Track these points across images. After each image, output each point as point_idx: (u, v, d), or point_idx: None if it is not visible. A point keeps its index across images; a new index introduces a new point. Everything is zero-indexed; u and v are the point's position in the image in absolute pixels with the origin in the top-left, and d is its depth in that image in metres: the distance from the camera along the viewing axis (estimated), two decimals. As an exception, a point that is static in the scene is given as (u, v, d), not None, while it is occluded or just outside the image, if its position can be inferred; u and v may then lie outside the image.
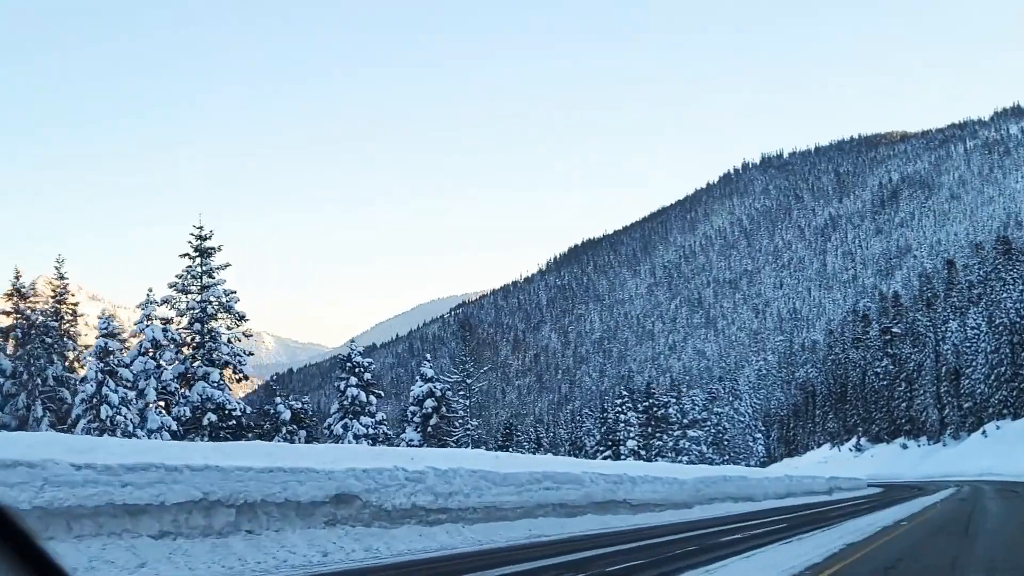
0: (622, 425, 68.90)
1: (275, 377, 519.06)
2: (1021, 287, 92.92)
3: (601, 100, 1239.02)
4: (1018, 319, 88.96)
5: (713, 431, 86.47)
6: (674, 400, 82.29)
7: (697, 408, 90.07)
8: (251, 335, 43.04)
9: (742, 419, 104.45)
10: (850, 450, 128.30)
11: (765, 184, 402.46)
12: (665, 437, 77.95)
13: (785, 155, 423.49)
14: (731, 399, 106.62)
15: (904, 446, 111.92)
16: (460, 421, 52.16)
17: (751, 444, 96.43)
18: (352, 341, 54.41)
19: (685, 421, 79.03)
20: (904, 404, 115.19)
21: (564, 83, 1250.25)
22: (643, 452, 75.69)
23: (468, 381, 54.76)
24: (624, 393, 79.11)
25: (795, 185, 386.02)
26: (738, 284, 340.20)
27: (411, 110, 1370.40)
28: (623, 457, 65.77)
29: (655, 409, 79.78)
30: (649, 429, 79.74)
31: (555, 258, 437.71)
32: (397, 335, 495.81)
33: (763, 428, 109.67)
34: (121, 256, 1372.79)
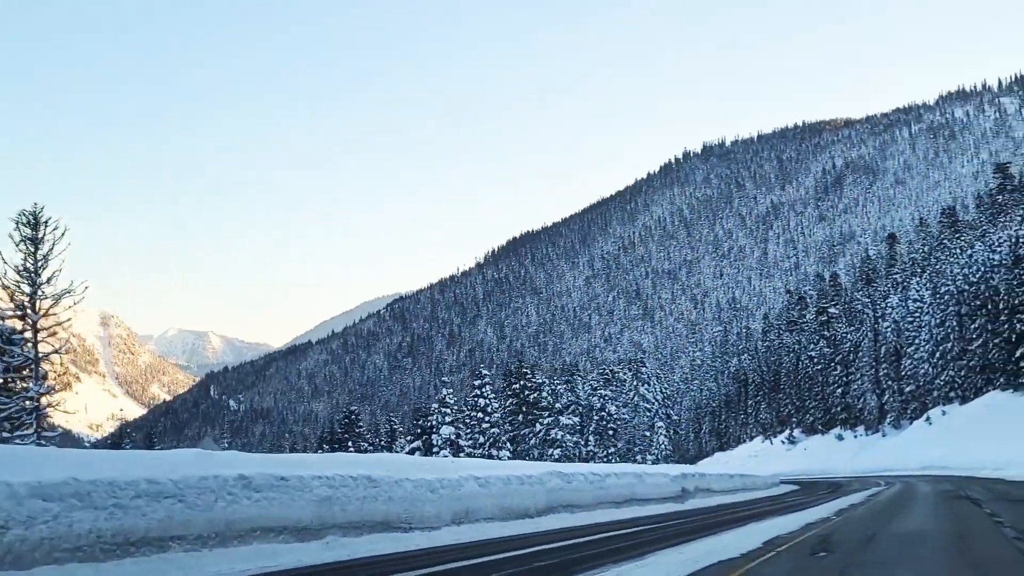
0: (436, 408, 54.69)
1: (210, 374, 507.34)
2: (969, 253, 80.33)
3: (541, 92, 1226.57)
4: (966, 287, 76.26)
5: (596, 418, 72.63)
6: (547, 381, 68.17)
7: (585, 391, 75.93)
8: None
9: (649, 407, 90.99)
10: (782, 443, 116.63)
11: (707, 173, 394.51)
12: (537, 426, 63.95)
13: (727, 143, 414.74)
14: (635, 383, 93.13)
15: (840, 437, 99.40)
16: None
17: (648, 435, 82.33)
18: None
19: (558, 406, 64.88)
20: (840, 390, 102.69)
21: (504, 76, 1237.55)
22: (510, 445, 62.09)
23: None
24: (483, 372, 64.88)
25: (737, 173, 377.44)
26: (677, 274, 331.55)
27: (351, 110, 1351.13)
28: (435, 450, 51.90)
29: (527, 392, 65.99)
30: (520, 417, 66.02)
31: (493, 251, 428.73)
32: (332, 331, 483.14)
33: (671, 419, 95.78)
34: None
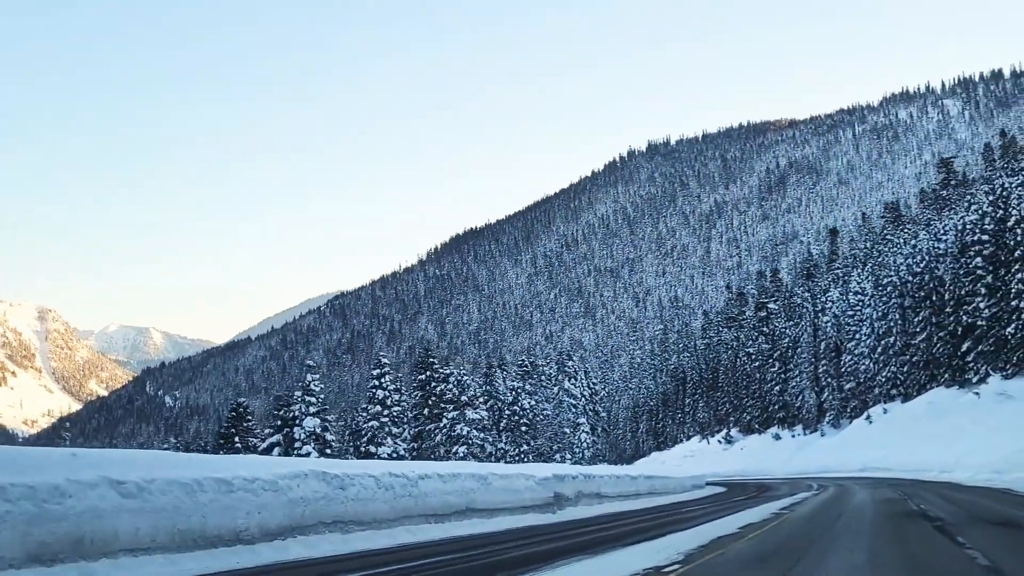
0: (299, 396, 48.30)
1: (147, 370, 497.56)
2: (913, 243, 76.51)
3: (486, 89, 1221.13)
4: (909, 278, 72.27)
5: (507, 413, 67.42)
6: (455, 372, 62.43)
7: (503, 383, 70.58)
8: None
9: (574, 403, 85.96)
10: (719, 442, 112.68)
11: (651, 171, 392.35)
12: (444, 420, 58.52)
13: (672, 142, 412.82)
14: (560, 378, 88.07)
15: (777, 437, 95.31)
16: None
17: (568, 432, 76.92)
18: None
19: (464, 399, 59.33)
20: (778, 388, 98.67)
21: (449, 73, 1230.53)
22: (415, 443, 56.97)
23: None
24: (383, 361, 59.25)
25: (681, 172, 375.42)
26: (619, 272, 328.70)
27: (296, 105, 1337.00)
28: (297, 445, 45.70)
29: (433, 384, 60.47)
30: (426, 411, 60.57)
31: (436, 248, 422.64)
32: (273, 327, 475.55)
33: (599, 416, 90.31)
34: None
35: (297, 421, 45.91)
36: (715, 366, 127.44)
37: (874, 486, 34.68)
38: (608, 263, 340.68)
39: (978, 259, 59.39)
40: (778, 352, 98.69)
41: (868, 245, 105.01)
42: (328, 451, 45.98)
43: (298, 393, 48.09)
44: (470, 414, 57.95)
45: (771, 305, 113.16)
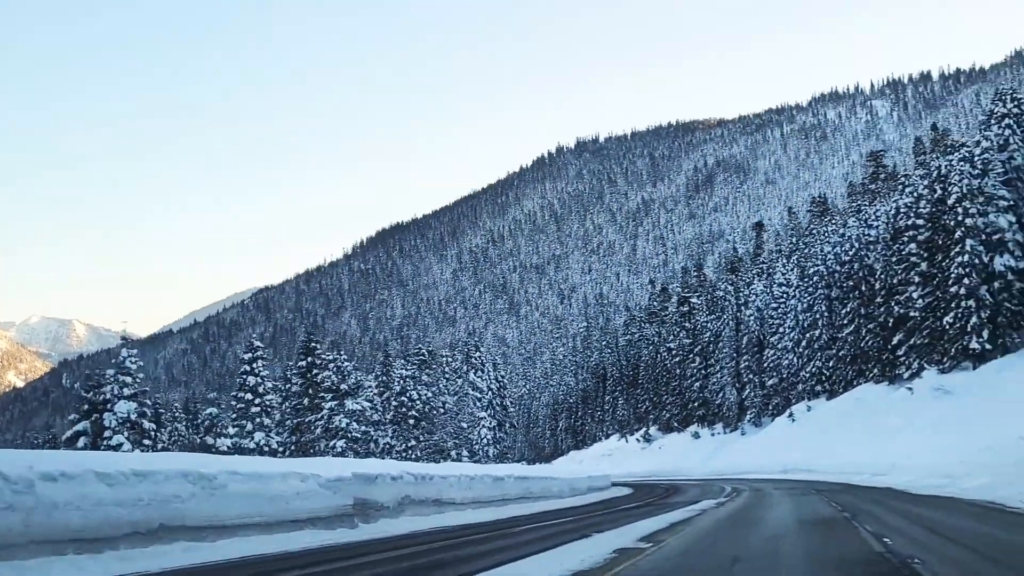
0: (112, 376, 41.26)
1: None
2: (842, 231, 72.06)
3: (415, 82, 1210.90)
4: (837, 267, 67.73)
5: (395, 404, 61.37)
6: (337, 358, 55.87)
7: (395, 372, 64.35)
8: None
9: (480, 396, 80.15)
10: (638, 441, 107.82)
11: (579, 168, 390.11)
12: (324, 411, 52.23)
13: (601, 140, 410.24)
14: (466, 369, 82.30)
15: (696, 435, 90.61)
16: None
17: (464, 427, 70.79)
18: None
19: (344, 387, 52.97)
20: (698, 384, 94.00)
21: (378, 64, 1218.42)
22: (295, 436, 50.79)
23: None
24: (256, 344, 52.73)
25: (609, 169, 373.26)
26: (545, 269, 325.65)
27: (221, 97, 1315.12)
28: (108, 434, 38.96)
29: (315, 372, 54.11)
30: (306, 401, 54.26)
31: (362, 243, 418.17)
32: (195, 320, 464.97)
33: (507, 410, 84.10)
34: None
35: (108, 405, 38.93)
36: (636, 362, 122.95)
37: (799, 492, 29.32)
38: (534, 259, 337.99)
39: (912, 245, 54.77)
40: (699, 347, 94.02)
41: (794, 240, 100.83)
42: (147, 441, 39.21)
43: (110, 372, 41.12)
44: (350, 404, 51.74)
45: (694, 300, 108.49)
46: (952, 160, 48.32)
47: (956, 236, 45.95)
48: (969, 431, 35.12)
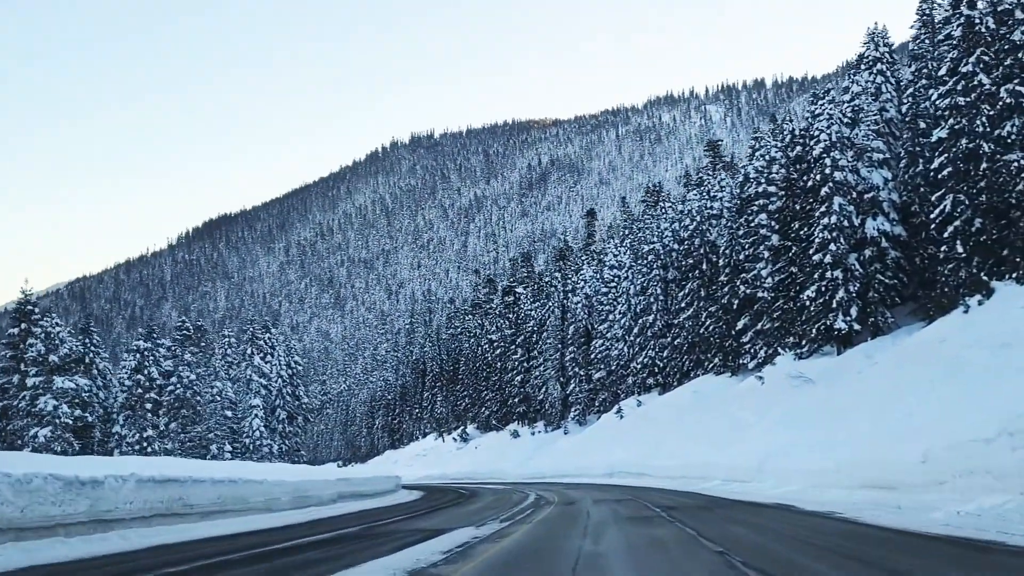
0: None
1: None
2: (681, 208, 64.84)
3: (250, 73, 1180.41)
4: (675, 245, 60.18)
5: (129, 384, 50.22)
6: (57, 324, 44.31)
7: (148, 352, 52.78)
8: None
9: (267, 384, 69.32)
10: (455, 440, 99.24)
11: (413, 163, 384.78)
12: (26, 392, 40.96)
13: (436, 135, 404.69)
14: (250, 352, 71.27)
15: (515, 434, 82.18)
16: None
17: (229, 416, 59.66)
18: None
19: (54, 359, 41.63)
20: (519, 378, 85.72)
21: (208, 52, 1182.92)
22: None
23: None
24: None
25: (443, 165, 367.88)
26: (374, 264, 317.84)
27: (42, 74, 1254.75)
28: None
29: (30, 343, 42.08)
30: (16, 378, 42.65)
31: (187, 233, 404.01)
32: (7, 309, 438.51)
33: (300, 401, 72.86)
34: None
35: None
36: (457, 357, 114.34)
37: (631, 508, 20.34)
38: (363, 254, 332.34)
39: (762, 215, 47.25)
40: (522, 337, 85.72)
41: (628, 225, 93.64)
42: None
43: None
44: (61, 382, 40.69)
45: (519, 289, 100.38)
46: (816, 109, 40.68)
47: (822, 194, 38.18)
48: (842, 426, 27.19)
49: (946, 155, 33.62)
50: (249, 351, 71.95)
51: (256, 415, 61.42)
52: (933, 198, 34.29)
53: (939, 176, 34.09)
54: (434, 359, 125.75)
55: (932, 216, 34.27)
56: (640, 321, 62.86)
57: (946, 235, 33.52)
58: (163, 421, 49.93)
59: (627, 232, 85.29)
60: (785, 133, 51.19)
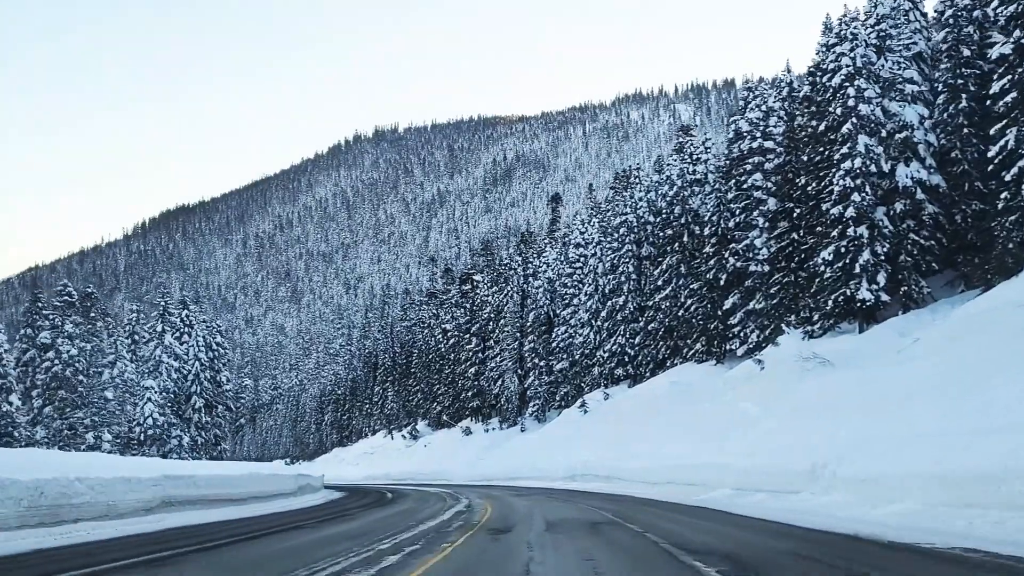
0: None
1: None
2: (658, 177, 57.51)
3: (212, 63, 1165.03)
4: (651, 217, 52.63)
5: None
6: None
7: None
8: None
9: (182, 367, 60.95)
10: (404, 437, 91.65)
11: (376, 157, 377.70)
12: None
13: (400, 130, 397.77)
14: (160, 329, 62.91)
15: (468, 431, 74.45)
16: None
17: (111, 398, 51.59)
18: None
19: None
20: (474, 370, 78.02)
21: (171, 38, 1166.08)
22: None
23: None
24: None
25: (406, 159, 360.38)
26: (332, 257, 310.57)
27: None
28: None
29: None
30: None
31: (144, 223, 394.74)
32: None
33: (222, 388, 64.45)
34: None
35: None
36: (411, 349, 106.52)
37: (628, 556, 11.55)
38: (322, 247, 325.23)
39: (757, 175, 39.92)
40: (477, 325, 77.92)
41: (594, 208, 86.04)
42: None
43: None
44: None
45: (477, 276, 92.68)
46: (834, 32, 33.07)
47: (843, 131, 30.56)
48: (900, 419, 19.60)
49: (1009, 76, 26.18)
50: (160, 328, 63.41)
51: (149, 399, 52.80)
52: (992, 131, 26.76)
53: (997, 106, 26.66)
54: (386, 351, 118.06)
55: (990, 155, 26.78)
56: (609, 303, 55.11)
57: (1008, 178, 26.09)
58: (37, 404, 41.77)
59: (594, 213, 77.66)
60: (783, 85, 44.04)
